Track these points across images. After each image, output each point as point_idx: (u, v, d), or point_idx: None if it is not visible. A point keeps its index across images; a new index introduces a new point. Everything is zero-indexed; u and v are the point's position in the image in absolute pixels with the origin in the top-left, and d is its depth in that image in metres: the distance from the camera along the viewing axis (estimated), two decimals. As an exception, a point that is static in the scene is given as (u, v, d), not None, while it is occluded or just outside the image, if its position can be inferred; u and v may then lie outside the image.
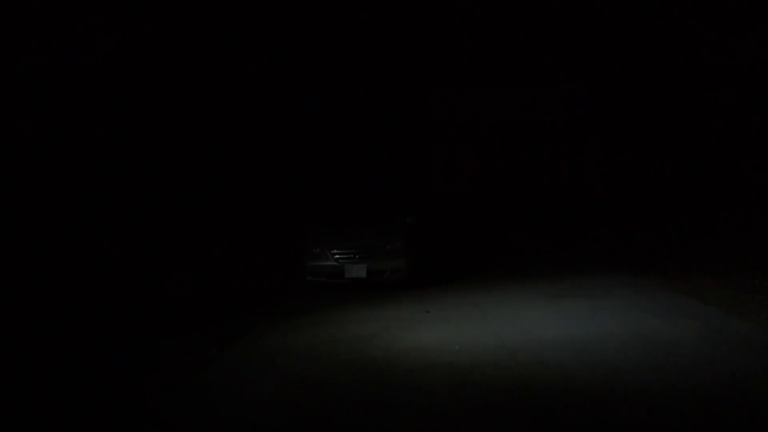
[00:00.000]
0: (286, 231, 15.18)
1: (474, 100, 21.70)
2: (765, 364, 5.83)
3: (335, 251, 10.51)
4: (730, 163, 18.68)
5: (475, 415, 5.02)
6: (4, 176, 12.10)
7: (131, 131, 15.00)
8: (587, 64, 20.54)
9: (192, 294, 10.75)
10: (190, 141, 16.74)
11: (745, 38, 14.79)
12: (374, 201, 12.44)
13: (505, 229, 18.00)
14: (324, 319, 8.55)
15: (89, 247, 13.00)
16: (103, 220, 13.97)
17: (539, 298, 9.18)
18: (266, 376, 6.23)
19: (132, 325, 8.66)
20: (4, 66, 11.96)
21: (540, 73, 21.32)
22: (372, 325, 8.08)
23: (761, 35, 14.44)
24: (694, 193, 19.12)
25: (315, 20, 17.78)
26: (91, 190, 13.96)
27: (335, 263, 10.44)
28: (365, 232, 10.94)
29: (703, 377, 5.50)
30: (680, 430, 4.62)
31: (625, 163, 21.28)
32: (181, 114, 16.31)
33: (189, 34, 15.57)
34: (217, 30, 16.23)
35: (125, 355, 7.28)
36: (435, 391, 5.57)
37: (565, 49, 20.10)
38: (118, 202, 14.58)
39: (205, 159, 17.16)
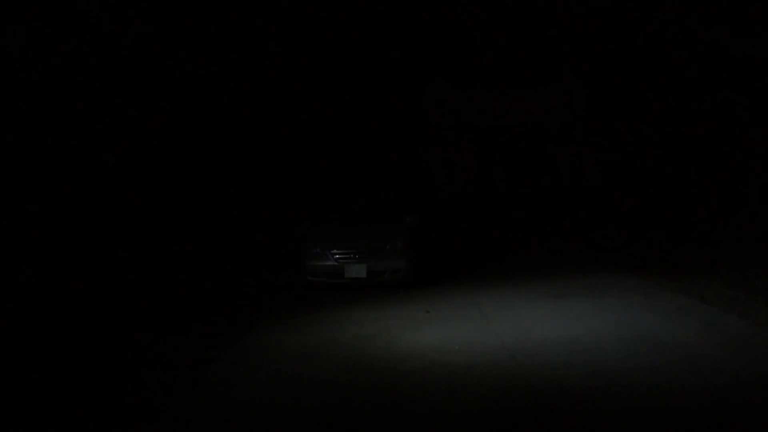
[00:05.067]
0: (286, 231, 15.18)
1: (473, 99, 21.70)
2: (765, 364, 5.83)
3: (335, 251, 10.50)
4: (731, 162, 18.69)
5: (474, 415, 5.02)
6: (4, 176, 12.10)
7: (132, 130, 15.00)
8: (587, 64, 20.53)
9: (192, 294, 10.74)
10: (190, 140, 16.74)
11: (745, 38, 14.79)
12: (374, 201, 12.44)
13: (504, 229, 18.00)
14: (324, 319, 8.55)
15: (89, 246, 12.99)
16: (103, 218, 13.97)
17: (539, 297, 9.18)
18: (266, 376, 6.23)
19: (132, 324, 8.65)
20: (3, 65, 11.96)
21: (540, 73, 21.32)
22: (372, 325, 8.08)
23: (761, 35, 14.44)
24: (695, 192, 19.13)
25: (314, 20, 17.78)
26: (91, 189, 13.96)
27: (335, 263, 10.44)
28: (365, 232, 10.93)
29: (703, 377, 5.49)
30: (680, 430, 4.62)
31: (625, 163, 21.29)
32: (182, 114, 16.31)
33: (189, 34, 15.57)
34: (217, 30, 16.23)
35: (125, 354, 7.28)
36: (435, 390, 5.57)
37: (565, 49, 20.10)
38: (118, 202, 14.58)
39: (206, 159, 17.16)
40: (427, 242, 11.94)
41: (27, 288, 10.32)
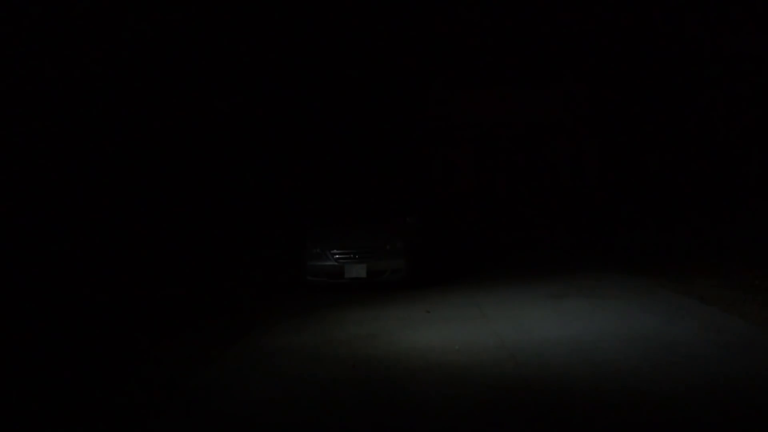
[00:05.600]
0: (286, 231, 15.18)
1: (474, 100, 21.70)
2: (765, 364, 5.83)
3: (335, 251, 10.51)
4: (730, 162, 18.69)
5: (474, 415, 5.02)
6: (4, 176, 12.10)
7: (133, 132, 15.01)
8: (587, 65, 20.53)
9: (192, 294, 10.75)
10: (191, 142, 16.74)
11: (744, 38, 14.79)
12: (374, 201, 12.45)
13: (504, 229, 18.00)
14: (324, 319, 8.55)
15: (89, 246, 13.00)
16: (104, 220, 13.97)
17: (539, 298, 9.18)
18: (266, 376, 6.23)
19: (132, 324, 8.66)
20: (3, 66, 11.96)
21: (540, 73, 21.32)
22: (372, 325, 8.08)
23: (761, 35, 14.45)
24: (694, 192, 19.13)
25: (315, 21, 17.77)
26: (93, 190, 13.96)
27: (335, 263, 10.44)
28: (365, 232, 10.94)
29: (703, 377, 5.49)
30: (680, 430, 4.62)
31: (624, 163, 21.28)
32: (182, 115, 16.31)
33: (190, 35, 15.57)
34: (217, 31, 16.22)
35: (125, 354, 7.28)
36: (435, 391, 5.57)
37: (565, 49, 20.10)
38: (119, 202, 14.58)
39: (206, 159, 17.16)
40: (427, 242, 11.93)
41: (27, 288, 10.33)
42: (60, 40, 12.62)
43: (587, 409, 5.00)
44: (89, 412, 5.53)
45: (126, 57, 14.08)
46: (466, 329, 7.59)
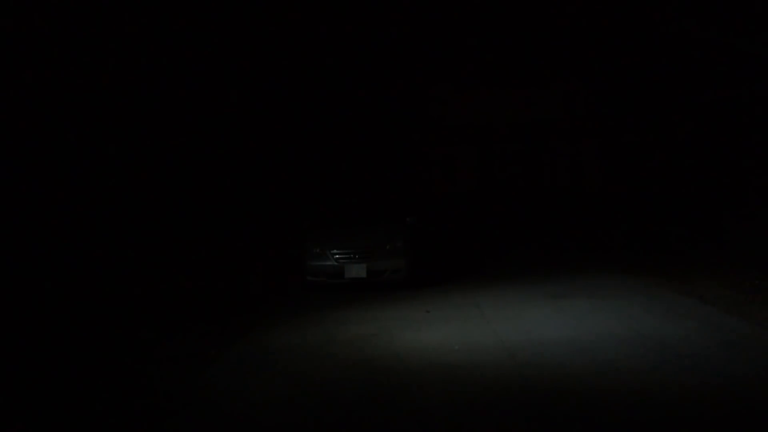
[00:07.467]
0: (285, 231, 15.18)
1: (474, 100, 21.73)
2: (765, 364, 5.83)
3: (335, 251, 10.51)
4: (731, 162, 18.69)
5: (474, 415, 5.02)
6: (4, 176, 12.10)
7: (132, 132, 15.00)
8: (586, 64, 20.54)
9: (192, 294, 10.74)
10: (190, 142, 16.74)
11: (744, 38, 14.79)
12: (374, 201, 12.46)
13: (504, 229, 18.01)
14: (324, 319, 8.55)
15: (89, 247, 13.00)
16: (104, 220, 13.97)
17: (539, 298, 9.18)
18: (266, 376, 6.23)
19: (131, 325, 8.66)
20: (4, 66, 11.96)
21: (540, 73, 21.33)
22: (372, 325, 8.08)
23: (761, 35, 14.45)
24: (695, 192, 19.14)
25: (315, 21, 17.78)
26: (91, 190, 13.96)
27: (335, 263, 10.45)
28: (365, 232, 10.94)
29: (703, 377, 5.50)
30: (680, 430, 4.62)
31: (624, 163, 21.29)
32: (182, 115, 16.31)
33: (190, 34, 15.56)
34: (218, 30, 16.22)
35: (125, 355, 7.28)
36: (434, 391, 5.57)
37: (564, 48, 20.11)
38: (118, 203, 14.58)
39: (206, 160, 17.16)
40: (427, 242, 11.93)
41: (26, 288, 10.33)
42: (59, 40, 12.62)
43: (587, 408, 4.99)
44: (89, 412, 5.53)
45: (125, 57, 14.07)
46: (466, 329, 7.59)
